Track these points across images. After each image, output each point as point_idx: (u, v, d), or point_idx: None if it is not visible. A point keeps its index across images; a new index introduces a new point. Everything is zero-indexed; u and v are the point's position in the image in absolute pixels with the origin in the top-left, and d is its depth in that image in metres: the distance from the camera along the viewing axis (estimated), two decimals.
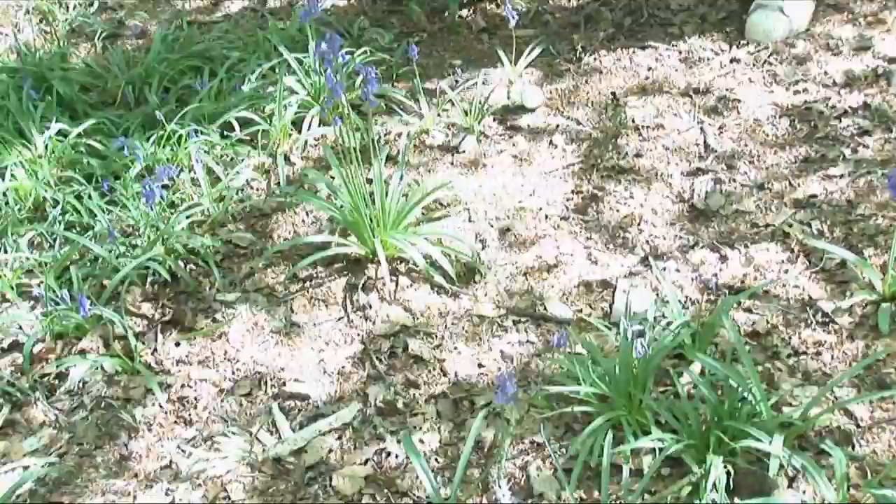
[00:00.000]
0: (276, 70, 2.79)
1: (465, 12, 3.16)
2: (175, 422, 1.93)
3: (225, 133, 2.64)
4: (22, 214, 2.43)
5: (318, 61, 2.73)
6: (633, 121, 2.58)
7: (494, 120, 2.66)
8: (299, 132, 2.65)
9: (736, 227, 2.21)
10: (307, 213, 2.41)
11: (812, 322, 1.95)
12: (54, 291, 2.14)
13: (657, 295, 2.04)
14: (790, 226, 2.17)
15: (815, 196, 2.25)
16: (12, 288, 2.22)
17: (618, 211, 2.32)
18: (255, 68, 2.82)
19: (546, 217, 2.33)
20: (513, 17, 2.72)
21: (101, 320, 2.11)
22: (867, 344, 1.88)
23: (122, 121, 2.71)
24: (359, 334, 2.08)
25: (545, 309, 2.08)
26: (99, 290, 2.20)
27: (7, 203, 2.43)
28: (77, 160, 2.56)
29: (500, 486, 1.71)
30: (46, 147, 2.57)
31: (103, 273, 2.23)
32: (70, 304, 2.11)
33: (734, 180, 2.34)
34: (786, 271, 2.06)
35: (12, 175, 2.48)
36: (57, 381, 2.04)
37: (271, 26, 3.02)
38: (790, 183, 2.30)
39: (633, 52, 2.86)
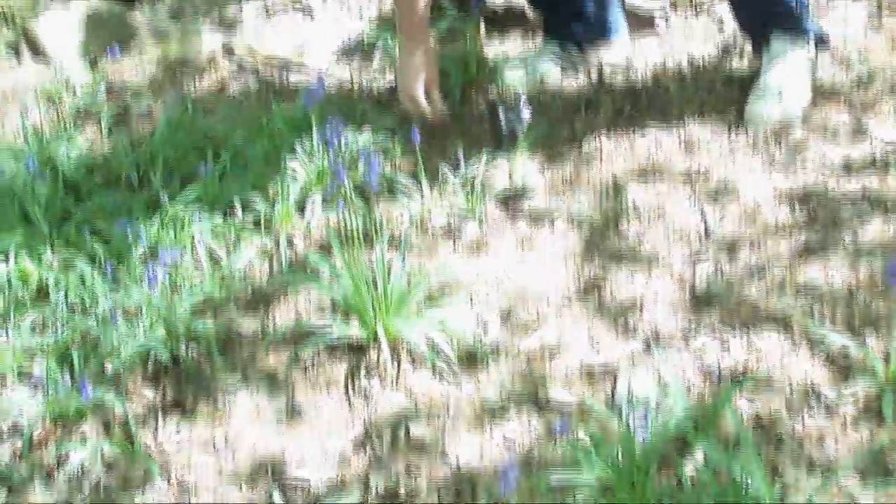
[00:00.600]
0: (280, 153, 2.81)
1: (467, 97, 3.19)
2: None
3: (228, 215, 2.66)
4: (24, 297, 2.43)
5: (321, 145, 2.76)
6: (634, 205, 2.60)
7: (496, 204, 2.68)
8: (302, 215, 2.66)
9: (737, 313, 2.21)
10: (309, 297, 2.42)
11: (815, 409, 1.94)
12: (55, 374, 2.14)
13: (659, 380, 2.04)
14: (792, 312, 2.18)
15: (816, 282, 2.26)
16: (13, 371, 2.22)
17: (619, 296, 2.32)
18: (259, 151, 2.85)
19: (548, 301, 2.33)
20: (515, 103, 2.75)
21: (102, 404, 2.10)
22: (871, 431, 1.87)
23: (127, 202, 2.73)
24: (360, 419, 2.08)
25: (547, 394, 2.08)
26: (100, 372, 2.20)
27: (10, 285, 2.43)
28: (81, 242, 2.57)
29: None
30: (51, 229, 2.58)
31: (104, 356, 2.23)
32: (71, 387, 2.10)
33: (735, 266, 2.35)
34: (788, 358, 2.06)
35: (15, 257, 2.49)
36: (56, 465, 2.03)
37: (275, 109, 3.05)
38: (791, 269, 2.31)
39: (633, 136, 2.88)
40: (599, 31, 3.20)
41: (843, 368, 2.03)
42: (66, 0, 3.70)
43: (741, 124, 2.84)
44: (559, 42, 3.20)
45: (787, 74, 2.84)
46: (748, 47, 3.08)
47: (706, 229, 2.48)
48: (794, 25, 2.87)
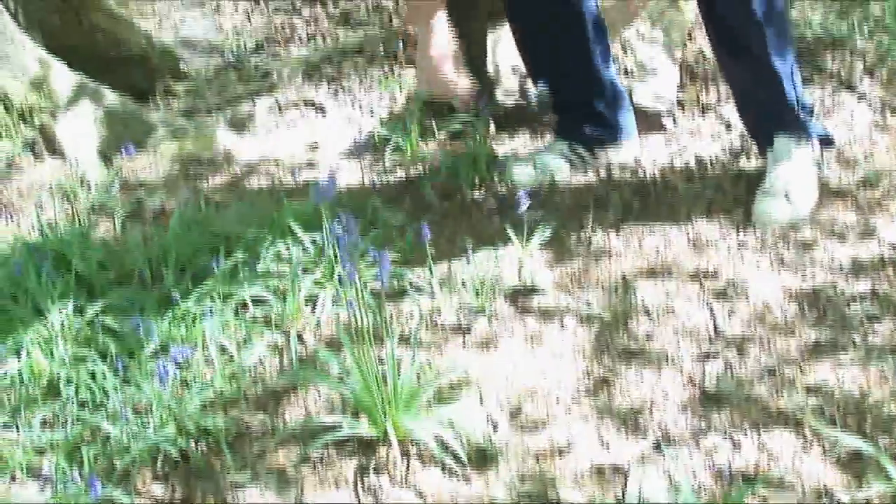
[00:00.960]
0: (291, 249, 2.84)
1: (476, 193, 3.23)
2: None
3: (239, 311, 2.67)
4: (35, 393, 2.44)
5: (332, 242, 2.79)
6: (643, 303, 2.61)
7: (505, 300, 2.69)
8: (312, 311, 2.68)
9: (748, 413, 2.21)
10: (319, 393, 2.42)
11: None
12: (65, 471, 2.14)
13: (670, 481, 2.03)
14: (802, 412, 2.17)
15: (826, 382, 2.26)
16: (22, 467, 2.21)
17: (629, 394, 2.32)
18: (270, 247, 2.88)
19: (557, 399, 2.33)
20: (524, 200, 2.79)
21: (111, 501, 2.10)
22: None
23: (139, 299, 2.74)
24: None
25: (557, 494, 2.07)
26: (109, 469, 2.20)
27: (21, 381, 2.44)
28: (93, 338, 2.58)
29: None
30: (63, 325, 2.60)
31: (114, 453, 2.23)
32: (80, 484, 2.10)
33: (745, 365, 2.36)
34: (800, 459, 2.06)
35: (28, 353, 2.50)
36: None
37: (286, 206, 3.08)
38: (801, 369, 2.31)
39: (643, 234, 2.91)
40: (610, 134, 3.25)
41: (855, 471, 2.01)
42: (84, 97, 3.76)
43: (749, 223, 2.86)
44: (569, 142, 3.24)
45: (794, 174, 2.87)
46: (755, 148, 3.12)
47: (715, 328, 2.49)
48: (797, 127, 2.91)
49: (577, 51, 3.12)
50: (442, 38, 2.90)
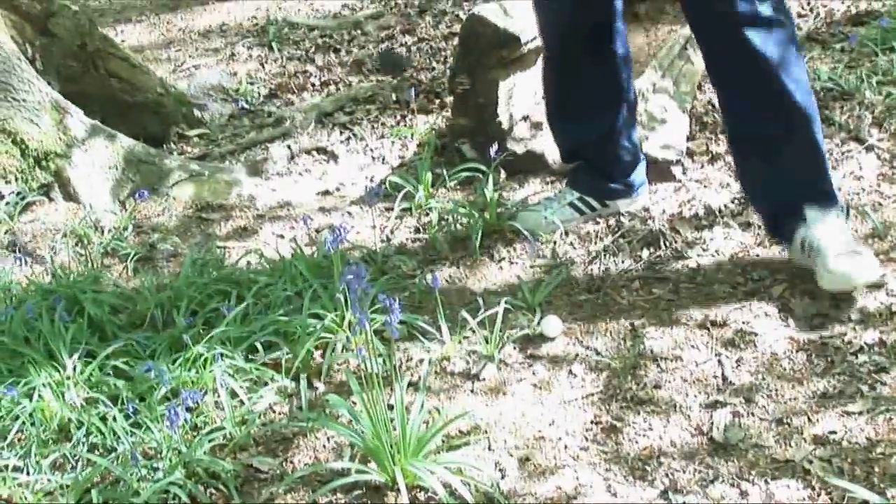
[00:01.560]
0: (302, 296, 2.86)
1: (486, 241, 3.25)
2: None
3: (250, 357, 2.69)
4: (46, 435, 2.45)
5: (342, 289, 2.80)
6: (652, 352, 2.62)
7: (515, 348, 2.71)
8: (322, 356, 2.69)
9: (755, 462, 2.21)
10: (328, 439, 2.43)
11: None
12: None
13: None
14: (810, 462, 2.18)
15: (834, 432, 2.26)
16: None
17: (637, 442, 2.33)
18: (281, 294, 2.90)
19: (565, 447, 2.34)
20: (533, 249, 2.81)
21: None
22: None
23: (150, 343, 2.76)
24: None
25: None
26: None
27: (33, 424, 2.46)
28: (104, 382, 2.60)
29: None
30: (75, 369, 2.62)
31: (124, 496, 2.24)
32: None
33: (752, 414, 2.36)
34: None
35: (39, 396, 2.52)
36: None
37: (297, 253, 3.11)
38: (809, 418, 2.32)
39: (651, 283, 2.92)
40: (624, 190, 3.26)
41: None
42: (99, 142, 3.80)
43: (755, 271, 2.87)
44: (580, 193, 3.26)
45: (844, 231, 2.79)
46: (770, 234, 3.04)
47: (723, 377, 2.50)
48: (827, 199, 2.82)
49: (608, 115, 3.16)
50: None
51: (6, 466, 2.34)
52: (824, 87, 3.79)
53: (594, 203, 3.26)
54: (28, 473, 2.32)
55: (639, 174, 3.28)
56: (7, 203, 3.58)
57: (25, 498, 2.25)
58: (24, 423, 2.46)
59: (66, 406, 2.50)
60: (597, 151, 3.23)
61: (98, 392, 2.57)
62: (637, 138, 3.27)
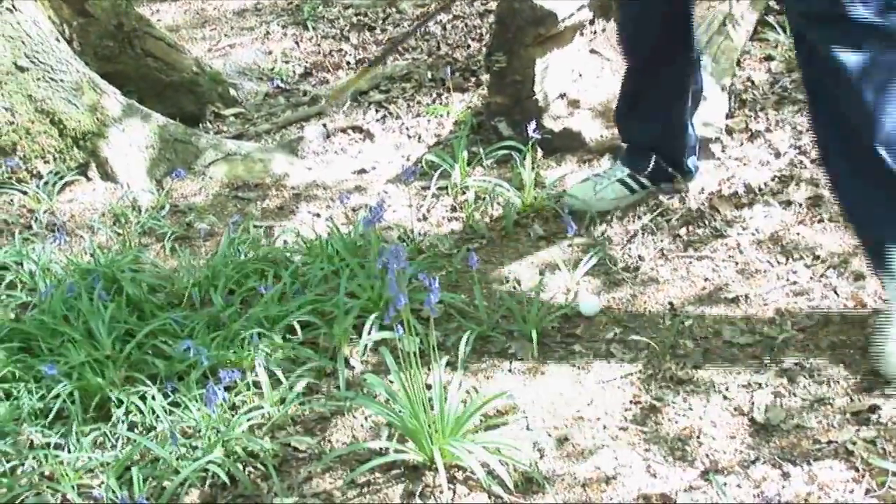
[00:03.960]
0: (339, 275, 2.85)
1: (523, 220, 3.23)
2: None
3: (287, 336, 2.69)
4: (86, 414, 2.47)
5: (380, 268, 2.80)
6: (691, 331, 2.60)
7: (553, 327, 2.69)
8: (360, 336, 2.69)
9: (797, 443, 2.19)
10: (366, 418, 2.43)
11: None
12: (114, 492, 2.16)
13: None
14: (853, 443, 2.15)
15: (878, 412, 2.23)
16: (73, 488, 2.24)
17: (677, 422, 2.31)
18: (319, 273, 2.90)
19: (604, 427, 2.33)
20: (571, 228, 2.79)
21: None
22: None
23: (188, 322, 2.77)
24: None
25: None
26: (158, 491, 2.22)
27: (73, 402, 2.47)
28: (143, 361, 2.61)
29: None
30: (114, 347, 2.63)
31: (163, 475, 2.25)
32: None
33: (794, 394, 2.34)
34: (851, 491, 2.03)
35: (79, 375, 2.53)
36: None
37: (334, 232, 3.10)
38: (851, 399, 2.29)
39: (690, 262, 2.90)
40: (680, 176, 3.24)
41: None
42: (135, 122, 3.81)
43: (796, 251, 2.84)
44: (632, 171, 3.22)
45: None
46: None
47: (764, 356, 2.47)
48: None
49: (679, 107, 3.14)
50: None
51: (48, 444, 2.36)
52: None
53: (645, 181, 3.22)
54: (69, 451, 2.33)
55: (694, 162, 3.26)
56: (45, 182, 3.60)
57: (66, 475, 2.26)
58: (64, 401, 2.48)
59: (106, 385, 2.51)
60: (665, 142, 3.21)
61: (137, 371, 2.58)
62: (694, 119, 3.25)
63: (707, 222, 3.06)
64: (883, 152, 2.31)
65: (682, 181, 3.24)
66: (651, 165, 3.19)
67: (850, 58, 2.30)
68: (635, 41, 3.09)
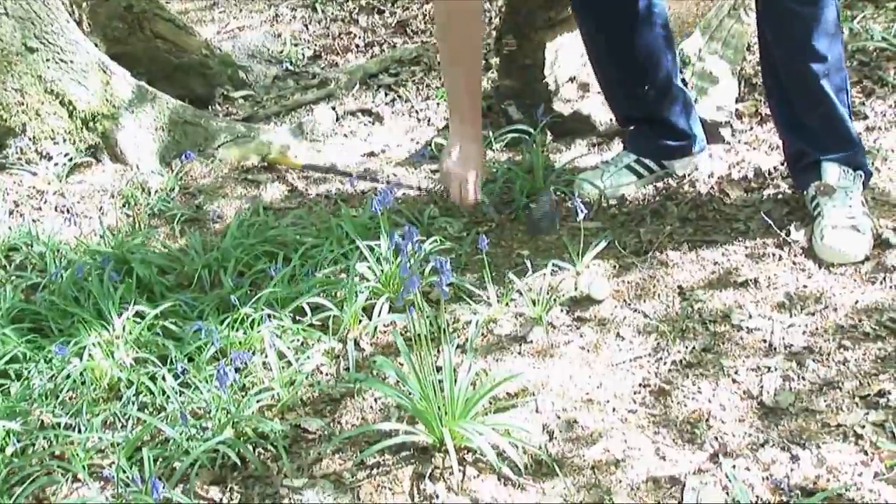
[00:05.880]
0: (349, 257, 2.86)
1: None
2: None
3: (297, 318, 2.70)
4: (96, 394, 2.48)
5: (391, 250, 2.80)
6: (700, 315, 2.60)
7: (562, 311, 2.69)
8: (370, 318, 2.69)
9: (806, 426, 2.19)
10: (375, 400, 2.43)
11: None
12: (125, 472, 2.17)
13: (727, 494, 2.02)
14: (862, 426, 2.15)
15: (887, 396, 2.23)
16: (84, 468, 2.25)
17: (686, 406, 2.31)
18: (328, 255, 2.90)
19: (613, 410, 2.33)
20: (581, 211, 2.79)
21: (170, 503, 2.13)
22: None
23: (198, 303, 2.78)
24: None
25: None
26: (168, 472, 2.23)
27: (83, 383, 2.48)
28: (153, 342, 2.62)
29: None
30: (124, 328, 2.64)
31: (173, 455, 2.26)
32: (140, 485, 2.12)
33: (803, 377, 2.34)
34: (860, 474, 2.03)
35: (90, 355, 2.54)
36: None
37: (344, 214, 3.11)
38: (860, 382, 2.29)
39: (700, 246, 2.89)
40: (685, 145, 3.22)
41: None
42: (145, 104, 3.81)
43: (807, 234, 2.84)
44: (637, 155, 3.22)
45: (855, 203, 2.80)
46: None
47: (773, 340, 2.47)
48: (851, 158, 2.86)
49: (650, 55, 3.11)
50: (471, 142, 2.98)
51: (58, 424, 2.37)
52: (877, 47, 3.72)
53: (652, 165, 3.22)
54: (79, 431, 2.34)
55: (697, 128, 3.23)
56: (56, 164, 3.60)
57: (77, 455, 2.27)
58: (74, 381, 2.49)
59: (116, 365, 2.52)
60: (657, 105, 3.18)
61: (147, 352, 2.59)
62: (681, 80, 3.23)
63: (716, 206, 3.06)
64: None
65: (687, 160, 3.21)
66: (661, 142, 3.18)
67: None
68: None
